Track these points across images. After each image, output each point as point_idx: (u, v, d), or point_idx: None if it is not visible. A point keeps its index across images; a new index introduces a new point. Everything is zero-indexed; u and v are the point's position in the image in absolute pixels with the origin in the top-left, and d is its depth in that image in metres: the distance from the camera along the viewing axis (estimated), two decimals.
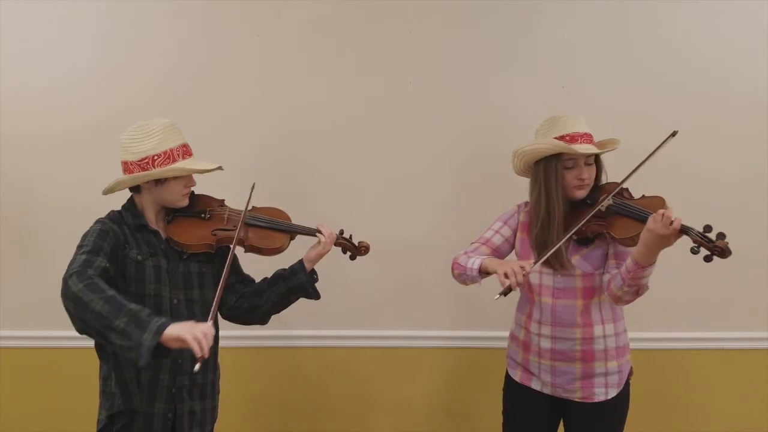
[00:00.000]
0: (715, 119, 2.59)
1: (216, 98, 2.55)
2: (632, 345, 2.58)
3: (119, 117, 2.47)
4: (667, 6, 2.56)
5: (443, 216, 2.62)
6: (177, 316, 1.83)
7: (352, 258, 2.07)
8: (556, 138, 1.95)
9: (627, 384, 2.06)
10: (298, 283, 1.96)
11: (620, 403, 2.04)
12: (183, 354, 1.82)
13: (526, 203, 2.10)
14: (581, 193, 1.98)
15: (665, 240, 1.71)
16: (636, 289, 1.84)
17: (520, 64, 2.57)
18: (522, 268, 1.81)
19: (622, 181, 1.95)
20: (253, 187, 2.00)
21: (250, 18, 2.54)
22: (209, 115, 2.53)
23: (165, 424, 1.83)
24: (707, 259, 1.68)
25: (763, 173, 2.61)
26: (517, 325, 2.13)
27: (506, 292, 1.81)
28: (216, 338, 1.95)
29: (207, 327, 1.57)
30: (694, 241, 1.70)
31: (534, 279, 2.02)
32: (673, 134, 1.96)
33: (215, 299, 1.72)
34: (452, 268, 2.07)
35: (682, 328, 2.66)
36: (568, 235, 1.91)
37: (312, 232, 1.98)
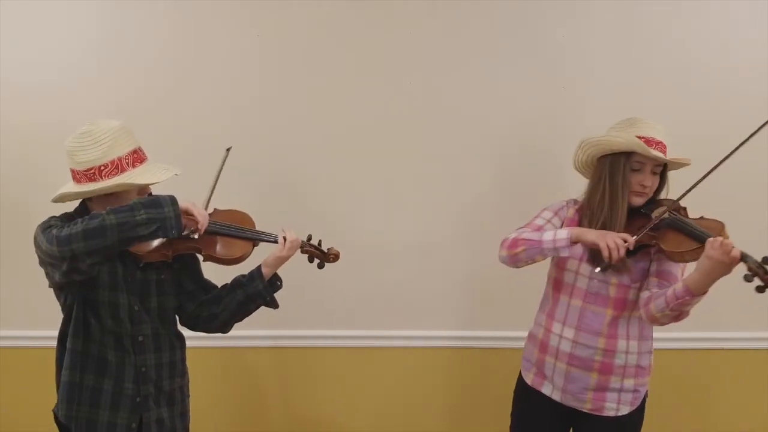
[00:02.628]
0: (716, 119, 2.58)
1: (215, 98, 2.54)
2: None
3: (121, 116, 2.45)
4: (667, 6, 2.56)
5: (443, 216, 2.62)
6: (138, 323, 1.78)
7: (320, 266, 1.94)
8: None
9: (642, 406, 2.01)
10: (256, 291, 1.86)
11: (632, 423, 1.99)
12: (147, 362, 1.79)
13: (575, 201, 2.06)
14: (638, 201, 1.92)
15: (723, 268, 1.67)
16: (677, 314, 1.79)
17: (520, 64, 2.57)
18: (624, 241, 1.76)
19: (681, 196, 1.89)
20: (228, 150, 1.86)
21: (249, 18, 2.53)
22: (209, 115, 2.53)
23: None
24: (760, 290, 1.65)
25: (764, 173, 2.61)
26: (536, 325, 2.08)
27: (606, 267, 1.76)
28: (183, 342, 1.92)
29: (203, 212, 1.71)
30: (750, 270, 1.66)
31: (568, 278, 1.97)
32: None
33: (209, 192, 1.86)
34: (509, 247, 1.94)
35: (682, 328, 2.63)
36: (642, 233, 1.82)
37: (276, 239, 1.87)
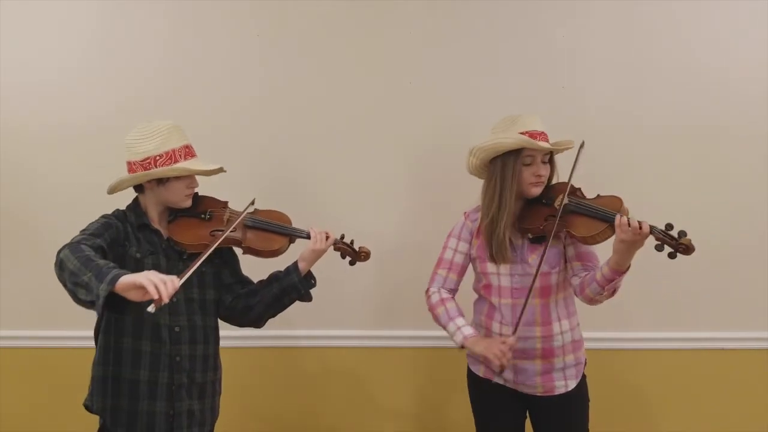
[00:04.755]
0: (715, 119, 2.58)
1: (216, 98, 2.55)
2: (632, 345, 2.60)
3: (121, 116, 2.49)
4: (666, 6, 2.56)
5: (442, 215, 2.61)
6: (176, 314, 1.87)
7: (352, 263, 2.06)
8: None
9: (583, 376, 2.10)
10: (291, 284, 1.95)
11: (580, 394, 2.08)
12: (181, 352, 1.86)
13: (476, 209, 2.11)
14: (536, 191, 2.01)
15: (637, 244, 1.77)
16: (612, 291, 1.89)
17: (521, 64, 2.57)
18: (504, 343, 1.88)
19: (569, 178, 1.97)
20: (252, 202, 2.01)
21: (249, 18, 2.54)
22: (209, 115, 2.53)
23: (167, 422, 1.85)
24: (671, 256, 1.74)
25: (763, 173, 2.61)
26: (476, 325, 2.13)
27: (500, 372, 1.92)
28: (217, 338, 2.00)
29: (170, 277, 1.50)
30: (658, 239, 1.75)
31: (493, 281, 2.05)
32: (582, 145, 2.01)
33: (195, 263, 1.67)
34: (429, 308, 2.11)
35: (682, 328, 2.66)
36: (546, 246, 1.94)
37: (309, 235, 1.98)
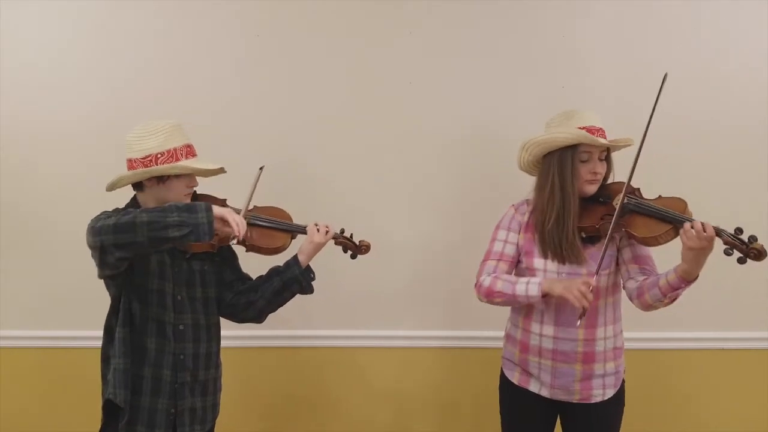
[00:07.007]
0: (716, 119, 2.59)
1: (215, 99, 2.55)
2: (632, 345, 2.59)
3: (121, 116, 2.48)
4: (666, 6, 2.56)
5: (442, 216, 2.62)
6: (180, 312, 1.89)
7: (353, 257, 2.08)
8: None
9: (622, 383, 2.06)
10: (292, 276, 1.97)
11: (617, 402, 2.04)
12: (185, 350, 1.88)
13: (525, 202, 2.07)
14: (592, 189, 1.95)
15: (706, 250, 1.72)
16: (674, 299, 1.84)
17: (520, 64, 2.57)
18: (586, 284, 1.80)
19: (630, 177, 1.88)
20: (261, 169, 2.00)
21: (249, 18, 2.54)
22: (208, 115, 2.53)
23: (168, 419, 1.86)
24: (741, 261, 1.70)
25: (764, 172, 2.61)
26: (512, 325, 2.09)
27: (583, 314, 1.80)
28: (219, 335, 2.01)
29: (239, 217, 1.72)
30: (726, 243, 1.70)
31: (539, 278, 1.97)
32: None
33: (243, 208, 1.87)
34: (486, 295, 1.98)
35: (682, 328, 2.66)
36: (606, 248, 1.86)
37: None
